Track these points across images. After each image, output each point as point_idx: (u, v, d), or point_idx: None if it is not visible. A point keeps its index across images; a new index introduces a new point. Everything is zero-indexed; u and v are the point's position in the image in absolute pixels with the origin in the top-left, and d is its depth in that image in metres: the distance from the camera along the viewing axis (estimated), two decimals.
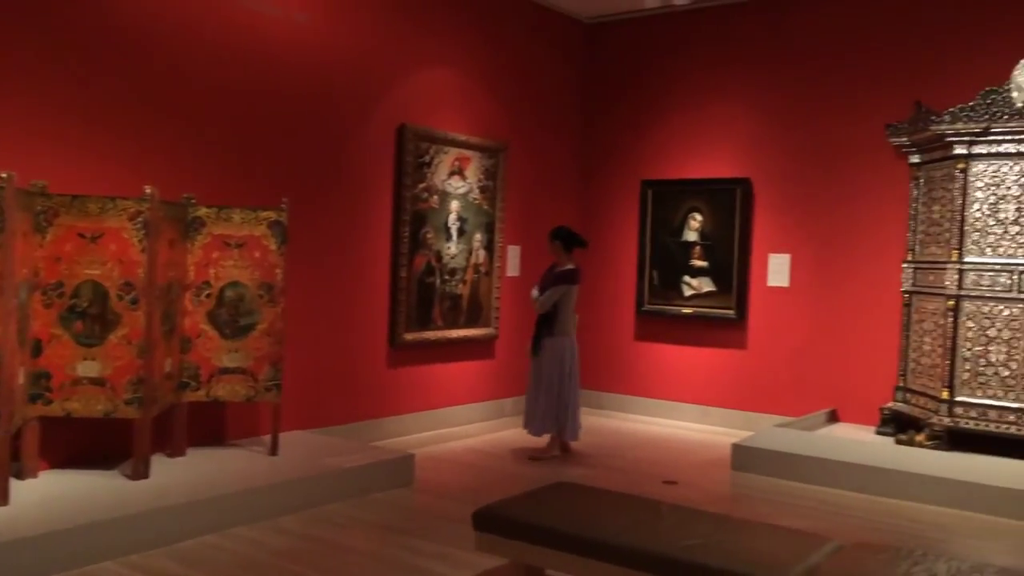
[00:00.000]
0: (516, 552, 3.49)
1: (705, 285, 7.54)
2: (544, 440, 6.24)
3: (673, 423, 7.61)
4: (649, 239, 7.80)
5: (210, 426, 5.41)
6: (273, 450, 5.18)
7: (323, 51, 5.94)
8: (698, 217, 7.56)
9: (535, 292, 6.14)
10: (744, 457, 5.93)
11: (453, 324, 6.95)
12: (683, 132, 7.72)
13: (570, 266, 6.11)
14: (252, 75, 5.53)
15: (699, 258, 7.56)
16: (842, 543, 3.38)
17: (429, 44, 6.71)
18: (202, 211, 5.08)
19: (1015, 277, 5.77)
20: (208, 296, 5.07)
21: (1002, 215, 5.84)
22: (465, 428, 7.03)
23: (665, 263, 7.73)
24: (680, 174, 7.69)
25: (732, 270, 7.37)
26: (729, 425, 7.31)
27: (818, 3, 7.05)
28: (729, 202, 7.38)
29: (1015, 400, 5.76)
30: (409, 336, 6.58)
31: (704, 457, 6.40)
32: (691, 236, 7.61)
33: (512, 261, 7.44)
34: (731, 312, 7.38)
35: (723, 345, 7.49)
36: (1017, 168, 5.79)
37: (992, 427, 5.83)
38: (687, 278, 7.62)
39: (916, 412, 6.25)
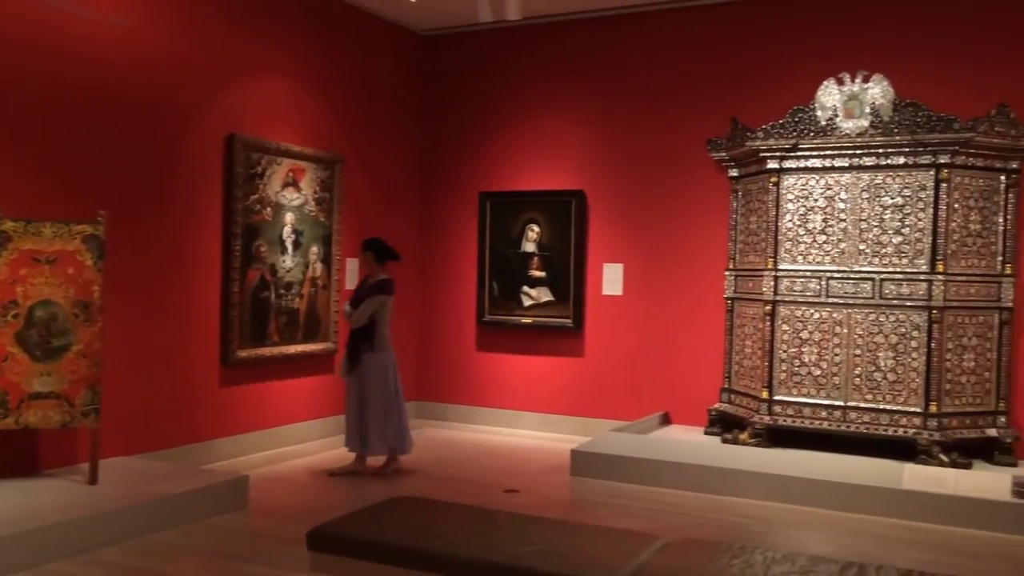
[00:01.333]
0: (352, 571, 3.42)
1: (544, 295, 7.69)
2: (352, 456, 6.07)
3: (515, 432, 7.71)
4: (488, 250, 7.88)
5: (21, 456, 5.00)
6: (92, 479, 4.85)
7: (145, 57, 5.65)
8: (536, 228, 7.72)
9: (347, 308, 6.00)
10: (583, 462, 6.08)
11: (290, 339, 6.76)
12: (520, 145, 7.86)
13: (383, 276, 6.00)
14: (66, 80, 5.19)
15: (537, 269, 7.71)
16: (670, 540, 3.53)
17: (260, 52, 6.52)
18: (8, 225, 4.71)
19: (823, 283, 6.21)
20: (15, 316, 4.71)
21: (811, 225, 6.28)
22: (305, 446, 6.84)
23: (505, 274, 7.83)
24: (518, 186, 7.82)
25: (569, 280, 7.56)
26: (569, 432, 7.48)
27: (645, 22, 7.37)
28: (565, 213, 7.57)
29: (827, 398, 6.19)
30: (243, 353, 6.35)
31: (545, 464, 6.51)
32: (529, 247, 7.75)
33: (351, 274, 7.32)
34: (568, 321, 7.57)
35: (561, 354, 7.67)
36: (823, 182, 6.24)
37: (807, 423, 6.24)
38: (526, 288, 7.75)
39: (740, 412, 6.61)
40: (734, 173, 6.87)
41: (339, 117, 7.26)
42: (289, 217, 6.70)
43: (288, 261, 6.71)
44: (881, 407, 6.03)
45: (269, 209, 6.53)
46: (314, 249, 6.94)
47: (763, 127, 6.36)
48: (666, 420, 7.24)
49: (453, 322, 8.13)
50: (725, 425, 6.72)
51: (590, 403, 7.53)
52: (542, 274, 7.70)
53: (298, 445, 6.81)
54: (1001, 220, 6.07)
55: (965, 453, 5.84)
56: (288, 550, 4.30)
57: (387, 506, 3.82)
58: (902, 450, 5.87)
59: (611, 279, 7.49)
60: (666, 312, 7.30)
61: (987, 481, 5.27)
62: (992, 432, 5.99)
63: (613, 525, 4.67)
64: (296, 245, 6.77)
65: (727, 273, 6.88)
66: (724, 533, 4.82)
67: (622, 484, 5.85)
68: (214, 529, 4.75)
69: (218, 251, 6.20)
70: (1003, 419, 6.05)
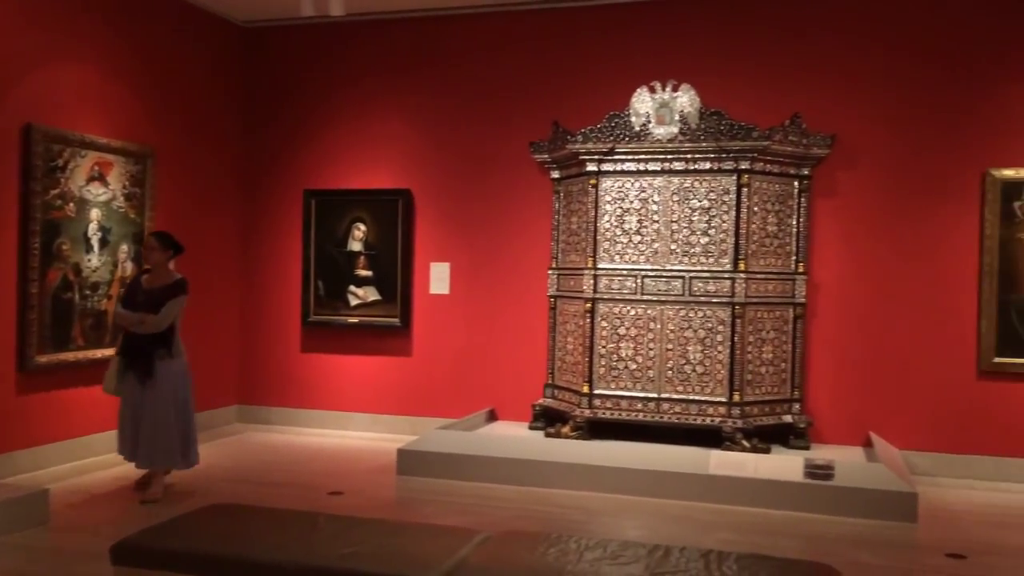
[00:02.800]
0: None
1: (371, 294, 7.63)
2: (155, 476, 5.57)
3: (343, 433, 7.60)
4: (314, 250, 7.73)
5: None
6: None
7: None
8: (362, 227, 7.64)
9: (123, 310, 5.46)
10: (409, 461, 6.09)
11: (97, 343, 6.36)
12: (346, 142, 7.75)
13: (179, 275, 5.59)
14: None
15: (364, 268, 7.64)
16: (491, 534, 3.60)
17: (62, 38, 6.10)
18: None
19: (639, 281, 6.51)
20: None
21: (627, 226, 6.57)
22: (112, 456, 6.44)
23: (330, 273, 7.70)
24: (344, 184, 7.72)
25: (396, 279, 7.54)
26: (398, 431, 7.45)
27: (470, 23, 7.45)
28: (392, 212, 7.54)
29: (642, 390, 6.50)
30: (43, 359, 5.92)
31: (372, 465, 6.46)
32: (356, 246, 7.66)
33: None
34: (396, 320, 7.55)
35: (389, 353, 7.63)
36: (638, 184, 6.54)
37: (624, 416, 6.52)
38: (353, 288, 7.66)
39: (563, 406, 6.82)
40: (556, 175, 7.08)
41: (151, 109, 6.90)
42: (95, 213, 6.31)
43: (94, 260, 6.31)
44: (691, 398, 6.40)
45: (72, 204, 6.12)
46: (124, 248, 6.56)
47: (582, 131, 6.59)
48: (492, 416, 7.36)
49: (277, 323, 7.92)
50: (549, 420, 6.91)
51: (418, 402, 7.54)
52: (369, 273, 7.63)
53: (104, 456, 6.41)
54: (795, 223, 6.58)
55: (764, 439, 6.29)
56: (93, 566, 4.06)
57: (199, 515, 3.68)
58: (710, 438, 6.25)
59: (438, 278, 7.53)
60: (492, 310, 7.42)
61: (783, 464, 5.70)
62: (788, 418, 6.48)
63: (437, 522, 4.71)
64: (103, 243, 6.38)
65: (550, 272, 7.08)
66: (546, 524, 4.97)
67: (449, 481, 5.91)
68: (11, 547, 4.41)
69: (14, 250, 5.75)
70: (797, 406, 6.56)
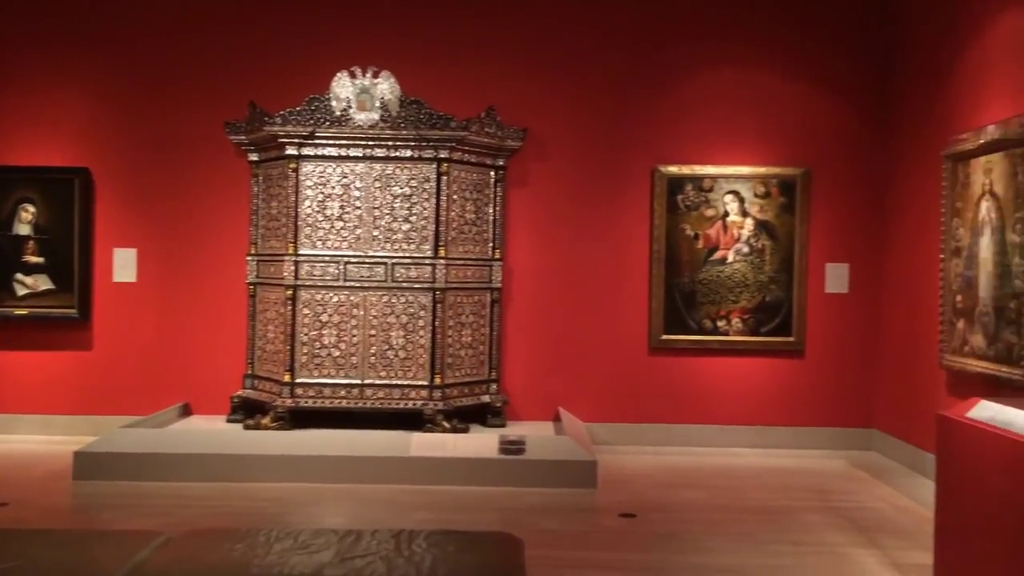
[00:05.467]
0: None
1: (42, 283, 6.87)
2: None
3: (8, 438, 6.79)
4: None
5: None
6: None
7: None
8: (31, 209, 6.86)
9: None
10: (88, 464, 5.58)
11: None
12: (12, 116, 6.92)
13: None
14: None
15: (34, 254, 6.86)
16: (172, 535, 3.40)
17: None
18: None
19: (341, 267, 6.46)
20: None
21: (329, 212, 6.48)
22: None
23: None
24: (7, 160, 6.87)
25: (73, 266, 6.85)
26: (76, 433, 6.73)
27: None
28: (67, 193, 6.83)
29: (345, 377, 6.47)
30: None
31: (44, 471, 5.84)
32: (24, 230, 6.86)
33: None
34: (73, 311, 6.86)
35: (66, 347, 6.94)
36: (339, 170, 6.48)
37: (328, 403, 6.45)
38: (20, 276, 6.86)
39: (263, 397, 6.60)
40: (254, 157, 6.82)
41: None
42: None
43: None
44: (394, 383, 6.47)
45: None
46: None
47: (281, 113, 6.40)
48: (187, 411, 6.96)
49: None
50: (249, 411, 6.66)
51: (101, 400, 6.92)
52: (40, 260, 6.87)
53: None
54: (491, 211, 6.87)
55: (464, 419, 6.53)
56: None
57: None
58: (413, 421, 6.37)
59: (123, 265, 6.96)
60: (187, 299, 7.00)
61: (480, 442, 5.96)
62: (486, 398, 6.77)
63: (117, 527, 4.38)
64: None
65: (249, 258, 6.82)
66: (241, 519, 4.79)
67: (135, 483, 5.49)
68: None
69: None
70: (495, 386, 6.87)
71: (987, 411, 3.45)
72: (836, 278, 6.94)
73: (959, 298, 5.50)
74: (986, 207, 5.22)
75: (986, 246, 5.19)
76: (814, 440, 6.88)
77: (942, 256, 5.72)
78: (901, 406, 6.49)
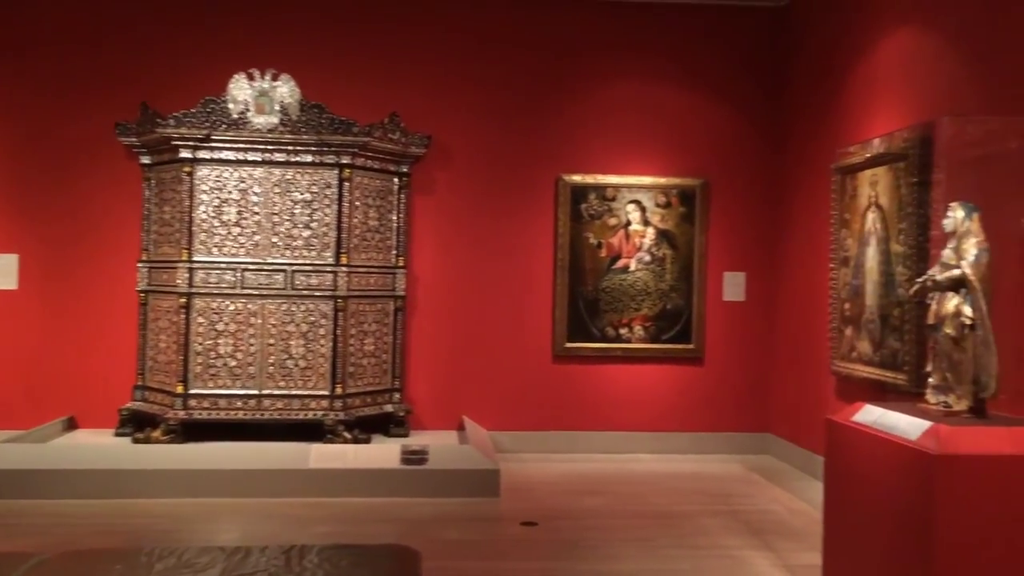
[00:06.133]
0: None
1: None
2: None
3: None
4: None
5: None
6: None
7: None
8: None
9: None
10: None
11: None
12: None
13: None
14: None
15: None
16: (46, 556, 3.21)
17: None
18: None
19: (239, 275, 6.27)
20: None
21: (226, 217, 6.29)
22: None
23: None
24: None
25: None
26: None
27: None
28: None
29: (242, 388, 6.27)
30: None
31: None
32: None
33: None
34: None
35: None
36: (237, 174, 6.29)
37: (223, 415, 6.24)
38: None
39: (155, 409, 6.35)
40: (146, 160, 6.57)
41: None
42: None
43: None
44: (293, 393, 6.31)
45: None
46: None
47: (175, 115, 6.19)
48: (72, 425, 6.64)
49: None
50: (139, 424, 6.39)
51: None
52: None
53: None
54: (395, 218, 6.78)
55: (366, 429, 6.42)
56: None
57: None
58: (313, 432, 6.22)
59: (3, 272, 6.60)
60: (73, 307, 6.69)
61: (381, 453, 5.85)
62: (389, 408, 6.68)
63: None
64: None
65: (140, 265, 6.56)
66: (126, 538, 4.58)
67: (11, 501, 5.17)
68: None
69: None
70: (398, 395, 6.78)
71: (871, 415, 3.56)
72: (733, 286, 7.11)
73: (847, 306, 5.70)
74: (872, 218, 5.42)
75: (872, 256, 5.40)
76: (713, 445, 7.02)
77: (832, 265, 5.92)
78: (794, 411, 6.68)
